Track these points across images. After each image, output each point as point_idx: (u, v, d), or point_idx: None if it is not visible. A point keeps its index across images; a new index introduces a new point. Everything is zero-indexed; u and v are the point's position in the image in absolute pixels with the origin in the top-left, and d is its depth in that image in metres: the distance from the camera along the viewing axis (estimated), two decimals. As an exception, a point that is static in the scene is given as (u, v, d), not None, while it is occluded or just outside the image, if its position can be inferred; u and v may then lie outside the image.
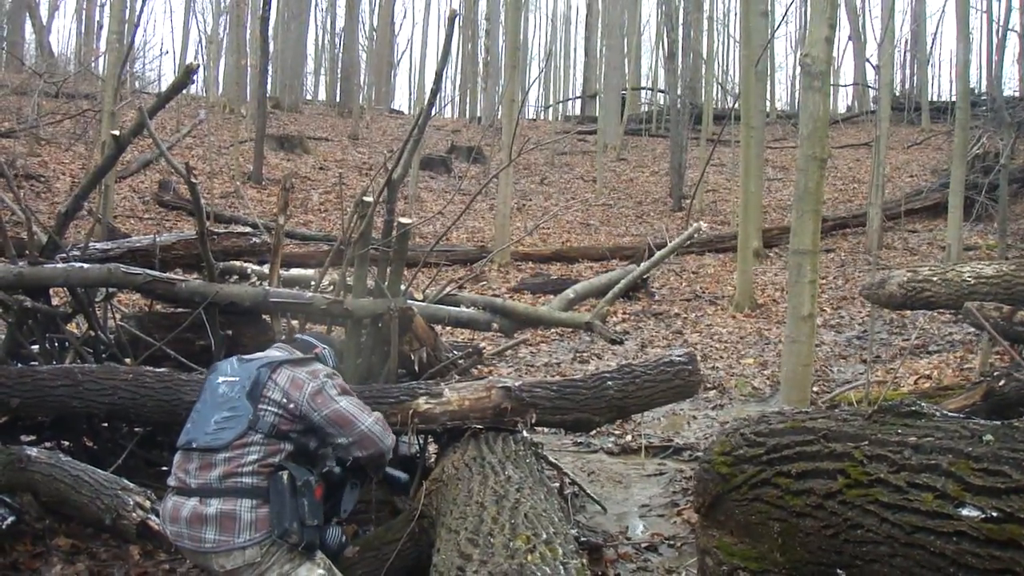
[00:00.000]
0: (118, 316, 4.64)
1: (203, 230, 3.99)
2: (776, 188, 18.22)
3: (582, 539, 3.75)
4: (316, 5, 31.19)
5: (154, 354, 4.07)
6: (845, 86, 30.36)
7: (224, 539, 2.40)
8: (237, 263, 5.85)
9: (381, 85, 31.18)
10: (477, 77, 31.93)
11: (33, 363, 4.00)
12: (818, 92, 5.86)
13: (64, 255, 4.20)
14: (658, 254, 7.93)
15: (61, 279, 3.94)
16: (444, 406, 3.58)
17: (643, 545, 3.92)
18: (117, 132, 4.05)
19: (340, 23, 30.39)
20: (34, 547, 3.40)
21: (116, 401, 3.52)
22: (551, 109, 33.73)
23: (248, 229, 5.84)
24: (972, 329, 7.35)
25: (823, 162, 5.87)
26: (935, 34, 29.88)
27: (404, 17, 65.67)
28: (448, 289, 5.51)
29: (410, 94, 40.26)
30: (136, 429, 4.05)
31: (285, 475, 2.44)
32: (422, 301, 4.89)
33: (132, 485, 3.38)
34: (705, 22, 21.64)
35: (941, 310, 8.12)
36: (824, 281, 11.18)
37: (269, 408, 2.51)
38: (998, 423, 2.10)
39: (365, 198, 4.12)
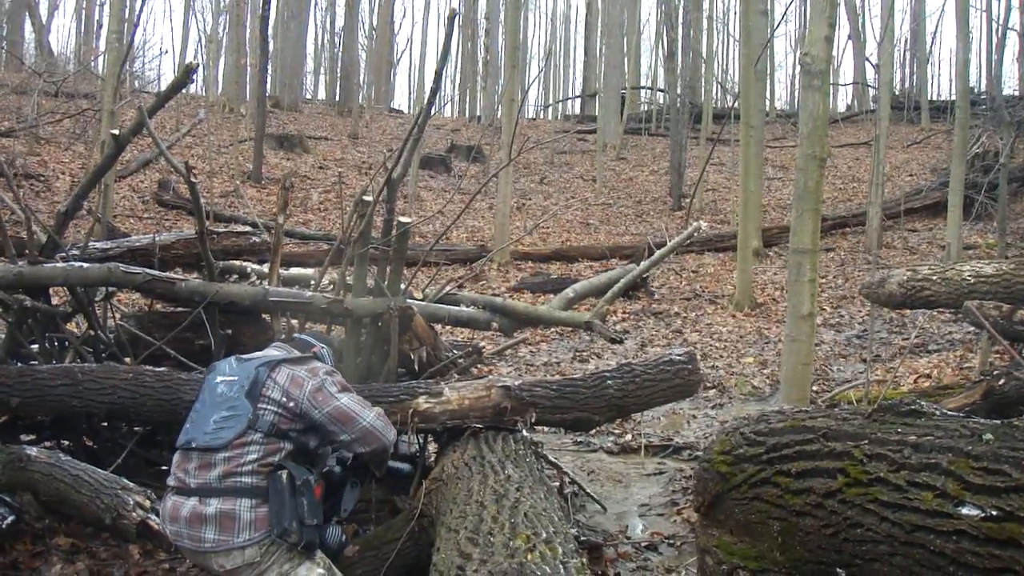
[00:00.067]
0: (118, 315, 4.64)
1: (203, 229, 3.99)
2: (776, 187, 18.22)
3: (582, 538, 3.75)
4: (316, 4, 31.20)
5: (154, 353, 4.07)
6: (845, 85, 30.40)
7: (223, 539, 2.40)
8: (237, 262, 5.85)
9: (381, 84, 31.18)
10: (477, 76, 31.93)
11: (33, 362, 4.00)
12: (818, 91, 5.86)
13: (64, 254, 4.20)
14: (658, 253, 7.95)
15: (61, 278, 3.94)
16: (444, 405, 3.58)
17: (643, 544, 3.92)
18: (116, 131, 4.05)
19: (340, 22, 30.41)
20: (34, 546, 3.40)
21: (116, 400, 3.51)
22: (551, 108, 33.76)
23: (248, 228, 5.84)
24: (972, 328, 7.35)
25: (823, 161, 5.87)
26: (935, 33, 29.90)
27: (404, 16, 65.73)
28: (448, 288, 5.51)
29: (410, 93, 40.29)
30: (136, 428, 4.05)
31: (284, 474, 2.44)
32: (422, 300, 4.90)
33: (132, 484, 3.38)
34: (705, 21, 21.65)
35: (941, 309, 8.11)
36: (824, 280, 11.18)
37: (268, 407, 2.51)
38: (998, 422, 2.10)
39: (365, 197, 4.12)
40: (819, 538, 2.19)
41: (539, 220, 15.62)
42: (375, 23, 30.83)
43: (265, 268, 5.07)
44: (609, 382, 3.89)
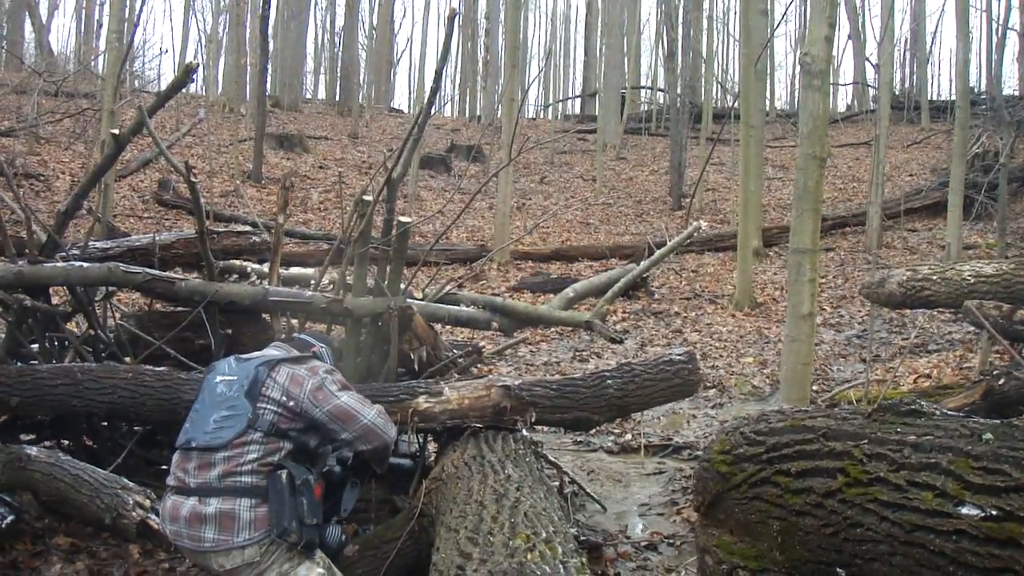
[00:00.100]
0: (118, 315, 4.64)
1: (203, 229, 3.99)
2: (776, 187, 18.22)
3: (582, 538, 3.75)
4: (316, 4, 31.21)
5: (154, 353, 4.07)
6: (845, 85, 30.41)
7: (223, 538, 2.40)
8: (237, 262, 5.84)
9: (381, 84, 31.18)
10: (477, 76, 31.93)
11: (33, 362, 4.00)
12: (818, 91, 5.86)
13: (64, 254, 4.20)
14: (658, 253, 7.94)
15: (61, 278, 3.94)
16: (444, 405, 3.58)
17: (643, 544, 3.92)
18: (116, 131, 4.05)
19: (340, 22, 30.42)
20: (34, 546, 3.40)
21: (116, 400, 3.51)
22: (551, 108, 33.77)
23: (248, 228, 5.85)
24: (972, 328, 7.35)
25: (823, 161, 5.86)
26: (935, 33, 29.90)
27: (404, 16, 65.68)
28: (448, 288, 5.51)
29: (410, 93, 40.29)
30: (136, 428, 4.05)
31: (284, 474, 2.44)
32: (422, 300, 4.89)
33: (132, 484, 3.38)
34: (705, 21, 21.65)
35: (941, 309, 8.11)
36: (824, 280, 11.18)
37: (268, 407, 2.51)
38: (998, 422, 2.10)
39: (365, 197, 4.12)
40: (819, 538, 2.19)
41: (539, 220, 15.62)
42: (375, 23, 30.85)
43: (265, 268, 5.07)
44: (609, 382, 3.89)
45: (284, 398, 2.53)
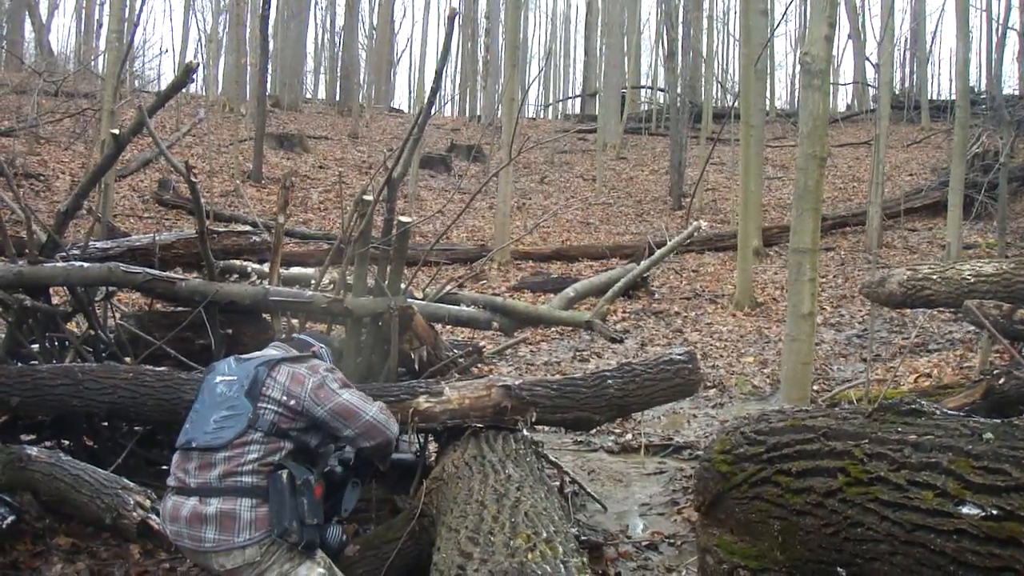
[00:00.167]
0: (118, 315, 4.64)
1: (203, 229, 3.99)
2: (776, 187, 18.22)
3: (582, 537, 3.75)
4: (316, 4, 31.19)
5: (154, 353, 4.07)
6: (845, 84, 30.40)
7: (224, 538, 2.40)
8: (237, 262, 5.85)
9: (381, 84, 31.18)
10: (477, 76, 31.92)
11: (33, 362, 4.00)
12: (818, 90, 5.85)
13: (64, 254, 4.20)
14: (658, 253, 7.95)
15: (61, 278, 3.94)
16: (444, 405, 3.58)
17: (643, 543, 3.92)
18: (116, 131, 4.04)
19: (340, 22, 30.42)
20: (34, 546, 3.40)
21: (116, 400, 3.51)
22: (551, 108, 33.77)
23: (248, 228, 5.85)
24: (972, 327, 7.35)
25: (823, 160, 5.86)
26: (935, 32, 29.89)
27: (404, 16, 65.62)
28: (448, 288, 5.51)
29: (410, 93, 40.26)
30: (136, 428, 4.05)
31: (284, 474, 2.44)
32: (422, 300, 4.89)
33: (132, 484, 3.38)
34: (705, 21, 21.65)
35: (941, 308, 8.11)
36: (824, 279, 11.18)
37: (269, 406, 2.51)
38: (998, 421, 2.10)
39: (365, 197, 4.12)
40: (819, 537, 2.19)
41: (539, 220, 15.62)
42: (375, 23, 30.84)
43: (265, 268, 5.07)
44: (609, 381, 3.89)
45: (285, 397, 2.53)
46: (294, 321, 4.25)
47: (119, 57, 11.72)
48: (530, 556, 2.21)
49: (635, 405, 4.12)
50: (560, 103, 33.71)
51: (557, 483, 4.13)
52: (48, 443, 4.01)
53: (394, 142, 19.55)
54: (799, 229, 5.84)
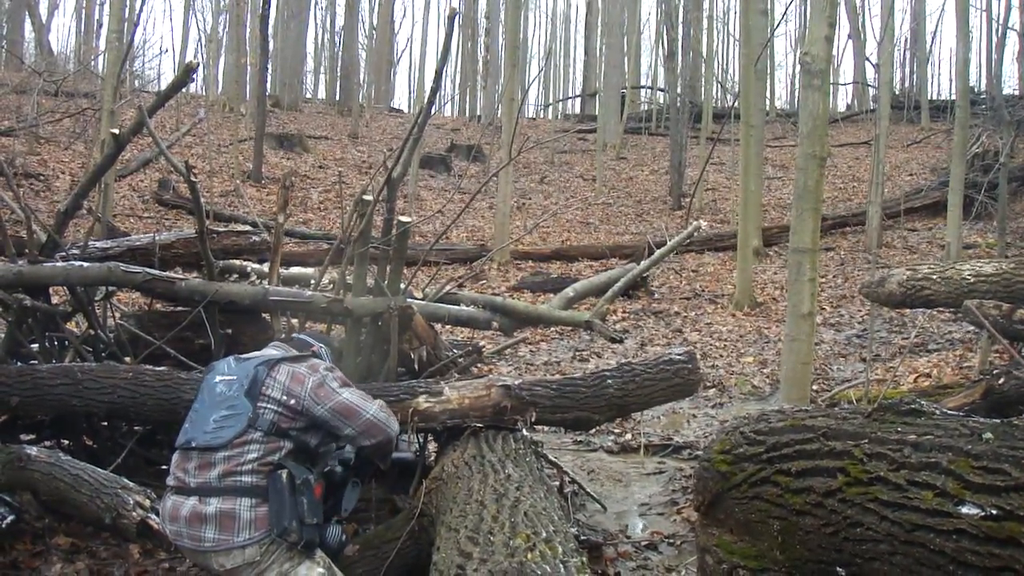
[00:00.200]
0: (117, 315, 4.64)
1: (203, 228, 3.99)
2: (776, 186, 18.22)
3: (582, 537, 3.75)
4: (316, 3, 31.21)
5: (154, 353, 4.07)
6: (845, 84, 30.42)
7: (223, 538, 2.40)
8: (237, 262, 5.84)
9: (381, 84, 31.18)
10: (477, 76, 31.93)
11: (33, 362, 4.00)
12: (818, 90, 5.85)
13: (64, 254, 4.19)
14: (658, 252, 7.94)
15: (61, 278, 3.94)
16: (444, 404, 3.58)
17: (643, 543, 3.92)
18: (116, 131, 4.05)
19: (340, 21, 30.42)
20: (34, 546, 3.40)
21: (116, 400, 3.51)
22: (551, 108, 33.79)
23: (248, 228, 5.84)
24: (971, 327, 7.35)
25: (823, 160, 5.86)
26: (935, 32, 29.90)
27: (404, 15, 65.54)
28: (448, 288, 5.51)
29: (410, 93, 40.29)
30: (136, 428, 4.05)
31: (284, 473, 2.44)
32: (422, 299, 4.89)
33: (132, 484, 3.38)
34: (705, 21, 21.63)
35: (941, 308, 8.11)
36: (824, 279, 11.18)
37: (269, 406, 2.51)
38: (998, 421, 2.10)
39: (365, 197, 4.12)
40: (819, 537, 2.19)
41: (539, 219, 15.62)
42: (375, 22, 30.84)
43: (265, 267, 5.07)
44: (609, 381, 3.89)
45: (285, 397, 2.53)
46: (294, 321, 4.25)
47: (119, 57, 11.71)
48: (530, 556, 2.21)
49: (635, 405, 4.12)
50: (560, 103, 33.73)
51: (557, 483, 4.13)
52: (48, 443, 4.01)
53: (394, 142, 19.55)
54: (799, 229, 5.84)
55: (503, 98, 14.36)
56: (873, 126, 15.29)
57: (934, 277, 6.82)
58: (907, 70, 29.05)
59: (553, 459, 4.29)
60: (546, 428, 5.02)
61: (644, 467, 5.15)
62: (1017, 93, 22.11)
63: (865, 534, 2.05)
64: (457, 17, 6.32)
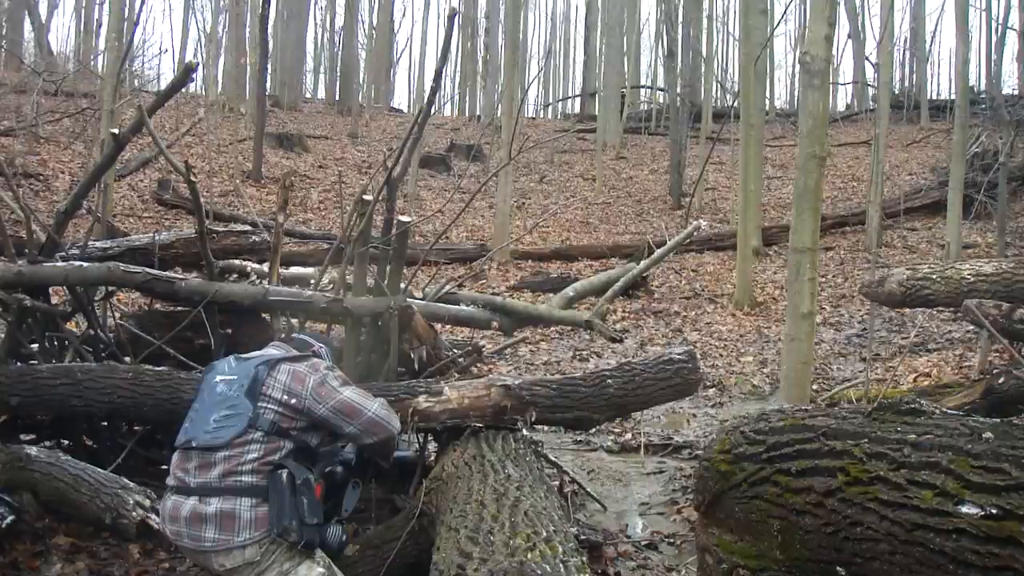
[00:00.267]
0: (117, 315, 4.64)
1: (202, 228, 3.99)
2: (775, 186, 18.22)
3: (582, 537, 3.75)
4: (315, 3, 31.20)
5: (154, 353, 4.07)
6: (844, 84, 30.41)
7: (224, 538, 2.40)
8: (237, 261, 5.85)
9: (380, 83, 31.17)
10: (477, 75, 31.93)
11: (33, 362, 4.00)
12: (817, 90, 5.86)
13: (63, 254, 4.20)
14: (658, 252, 7.95)
15: (60, 278, 3.94)
16: (444, 404, 3.58)
17: (643, 543, 3.92)
18: (116, 130, 4.05)
19: (339, 21, 30.42)
20: (34, 546, 3.39)
21: (116, 400, 3.52)
22: (551, 107, 33.80)
23: (247, 227, 5.86)
24: (971, 327, 7.34)
25: (822, 160, 5.87)
26: (934, 32, 29.91)
27: (403, 15, 65.25)
28: (448, 287, 5.51)
29: (410, 92, 40.28)
30: (136, 428, 4.05)
31: (284, 473, 2.44)
32: (422, 299, 4.89)
33: (132, 484, 3.38)
34: (704, 20, 21.62)
35: (940, 308, 8.12)
36: (824, 279, 11.18)
37: (269, 406, 2.51)
38: (997, 420, 2.10)
39: (365, 196, 4.12)
40: (819, 537, 2.19)
41: (539, 219, 15.62)
42: (375, 22, 30.82)
43: (265, 267, 5.07)
44: (609, 381, 3.89)
45: (286, 396, 2.53)
46: (294, 321, 4.25)
47: (119, 56, 11.72)
48: (530, 555, 2.21)
49: (635, 404, 4.12)
50: (560, 103, 33.74)
51: (557, 483, 4.12)
52: (48, 443, 4.01)
53: (394, 142, 19.53)
54: (799, 229, 5.85)
55: (503, 98, 14.37)
56: (873, 126, 15.29)
57: (934, 277, 6.82)
58: (907, 70, 29.08)
59: (553, 459, 4.28)
60: (546, 428, 5.02)
61: (644, 467, 5.15)
62: (1017, 93, 22.11)
63: (865, 533, 2.05)
64: (457, 17, 6.32)
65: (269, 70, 18.57)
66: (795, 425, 2.42)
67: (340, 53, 29.23)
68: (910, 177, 18.18)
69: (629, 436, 5.76)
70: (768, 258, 13.07)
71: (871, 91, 25.56)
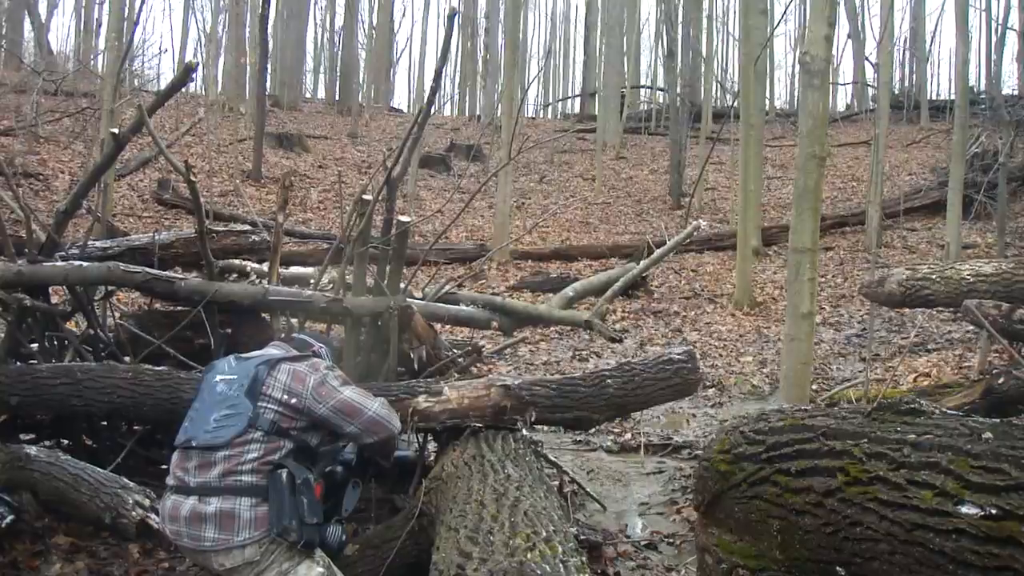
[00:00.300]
0: (117, 314, 4.64)
1: (202, 228, 3.99)
2: (775, 186, 18.22)
3: (582, 537, 3.75)
4: (315, 3, 31.20)
5: (154, 352, 4.07)
6: (844, 84, 30.42)
7: (224, 537, 2.40)
8: (236, 261, 5.85)
9: (380, 83, 31.16)
10: (476, 75, 31.94)
11: (32, 362, 4.00)
12: (817, 90, 5.86)
13: (63, 253, 4.20)
14: (657, 252, 7.95)
15: (60, 277, 3.94)
16: (443, 404, 3.58)
17: (642, 543, 3.92)
18: (116, 130, 4.05)
19: (339, 21, 30.42)
20: (33, 545, 3.39)
21: (115, 400, 3.52)
22: (550, 107, 33.81)
23: (247, 227, 5.86)
24: (971, 327, 7.35)
25: (822, 160, 5.87)
26: (934, 32, 29.90)
27: (403, 15, 65.24)
28: (447, 287, 5.51)
29: (409, 92, 40.28)
30: (136, 427, 4.05)
31: (284, 473, 2.44)
32: (421, 299, 4.89)
33: (131, 483, 3.38)
34: (704, 20, 21.62)
35: (940, 308, 8.12)
36: (823, 279, 11.19)
37: (269, 405, 2.51)
38: (997, 421, 2.10)
39: (364, 196, 4.12)
40: (819, 537, 2.19)
41: (539, 219, 15.62)
42: (375, 22, 30.81)
43: (265, 267, 5.07)
44: (609, 381, 3.89)
45: (286, 396, 2.53)
46: (293, 321, 4.25)
47: (119, 56, 11.72)
48: (529, 555, 2.21)
49: (634, 405, 4.12)
50: (560, 102, 33.73)
51: (556, 482, 4.12)
52: (47, 443, 4.01)
53: (394, 142, 19.51)
54: (799, 229, 5.85)
55: (503, 97, 14.37)
56: (872, 126, 15.30)
57: (933, 277, 6.83)
58: (906, 70, 29.07)
59: (553, 459, 4.29)
60: (546, 428, 5.02)
61: (644, 467, 5.15)
62: (1016, 93, 22.11)
63: (865, 533, 2.05)
64: (457, 17, 6.32)
65: (269, 70, 18.57)
66: (795, 425, 2.42)
67: (340, 53, 29.24)
68: (910, 177, 18.18)
69: (629, 436, 5.76)
70: (768, 258, 13.07)
71: (871, 91, 25.58)
